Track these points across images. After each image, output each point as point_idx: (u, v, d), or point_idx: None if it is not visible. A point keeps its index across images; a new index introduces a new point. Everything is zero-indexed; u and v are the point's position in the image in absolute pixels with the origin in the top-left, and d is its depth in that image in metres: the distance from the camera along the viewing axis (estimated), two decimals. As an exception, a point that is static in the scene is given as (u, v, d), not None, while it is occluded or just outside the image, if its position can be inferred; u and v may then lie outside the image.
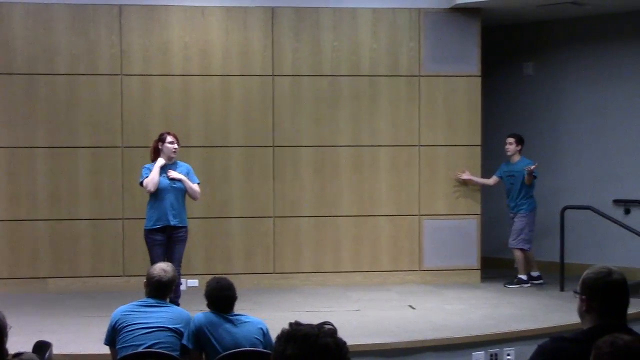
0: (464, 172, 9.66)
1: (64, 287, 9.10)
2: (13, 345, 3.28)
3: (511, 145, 9.65)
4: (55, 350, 5.19)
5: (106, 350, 5.23)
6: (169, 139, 7.58)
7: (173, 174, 7.51)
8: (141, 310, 5.04)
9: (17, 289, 8.94)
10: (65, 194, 9.19)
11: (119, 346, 4.95)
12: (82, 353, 6.42)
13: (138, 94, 9.30)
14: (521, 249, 9.53)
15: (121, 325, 4.98)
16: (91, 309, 8.11)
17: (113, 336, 5.04)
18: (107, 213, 9.23)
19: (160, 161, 7.52)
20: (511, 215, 9.69)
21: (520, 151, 9.69)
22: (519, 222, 9.56)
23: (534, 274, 9.62)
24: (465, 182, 9.69)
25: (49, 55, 9.18)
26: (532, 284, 9.52)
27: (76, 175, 9.20)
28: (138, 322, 4.96)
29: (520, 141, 9.69)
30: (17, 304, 8.08)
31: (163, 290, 5.12)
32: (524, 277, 9.52)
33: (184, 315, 5.12)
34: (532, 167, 9.32)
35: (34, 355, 2.98)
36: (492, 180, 9.81)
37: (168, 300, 5.23)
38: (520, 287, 9.41)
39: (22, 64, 9.16)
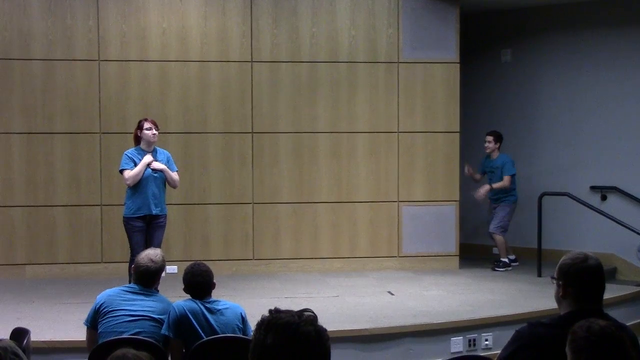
0: (469, 170, 10.00)
1: (41, 274, 9.05)
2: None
3: (490, 144, 9.90)
4: (33, 337, 5.15)
5: (84, 337, 5.19)
6: (146, 125, 7.52)
7: (156, 165, 7.47)
8: (127, 296, 4.98)
9: (-6, 276, 8.90)
10: (42, 180, 9.12)
11: (101, 331, 4.88)
12: (60, 340, 6.38)
13: (115, 79, 9.23)
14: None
15: (105, 310, 4.92)
16: (69, 295, 8.07)
17: (95, 318, 4.96)
18: (85, 199, 9.18)
19: (147, 158, 7.45)
20: (494, 205, 9.91)
21: (499, 148, 9.90)
22: (501, 210, 9.81)
23: (506, 259, 9.84)
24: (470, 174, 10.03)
25: (25, 40, 9.09)
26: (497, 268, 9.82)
27: (53, 162, 9.13)
28: (123, 309, 4.89)
29: (498, 138, 9.93)
30: (-6, 291, 8.04)
31: (150, 279, 5.08)
32: (506, 260, 9.79)
33: (167, 305, 5.04)
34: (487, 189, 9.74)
35: (11, 342, 2.95)
36: (479, 175, 10.12)
37: (155, 287, 5.19)
38: (506, 269, 9.66)
39: (-2, 49, 9.07)
